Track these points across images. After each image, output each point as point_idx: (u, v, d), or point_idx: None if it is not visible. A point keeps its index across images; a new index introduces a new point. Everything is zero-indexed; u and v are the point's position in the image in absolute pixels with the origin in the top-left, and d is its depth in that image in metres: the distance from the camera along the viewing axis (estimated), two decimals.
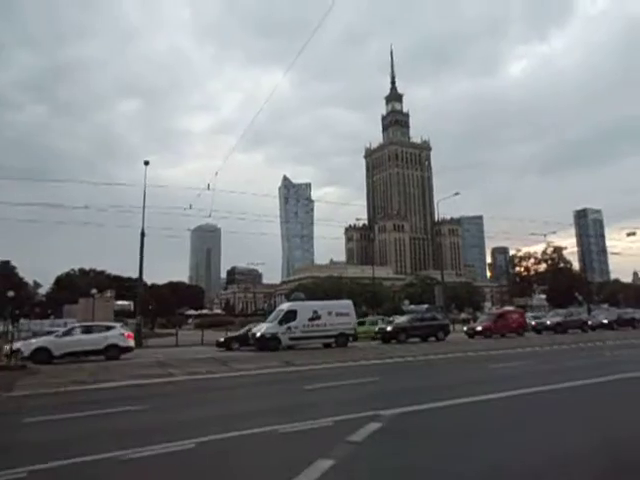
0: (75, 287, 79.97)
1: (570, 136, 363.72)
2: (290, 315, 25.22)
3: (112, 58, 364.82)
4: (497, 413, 8.37)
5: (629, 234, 53.28)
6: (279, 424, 7.05)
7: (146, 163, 32.61)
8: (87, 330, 20.87)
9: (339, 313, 26.38)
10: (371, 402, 9.73)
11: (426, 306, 62.91)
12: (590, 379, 11.25)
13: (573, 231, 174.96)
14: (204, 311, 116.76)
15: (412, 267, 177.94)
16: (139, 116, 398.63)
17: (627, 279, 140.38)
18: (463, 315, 73.46)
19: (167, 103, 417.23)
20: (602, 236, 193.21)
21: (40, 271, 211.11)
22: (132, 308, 54.09)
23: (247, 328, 28.53)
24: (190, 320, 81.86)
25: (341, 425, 7.05)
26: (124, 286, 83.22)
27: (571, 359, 17.47)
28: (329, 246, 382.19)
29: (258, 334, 24.57)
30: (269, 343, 24.07)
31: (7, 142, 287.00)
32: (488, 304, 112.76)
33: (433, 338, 29.13)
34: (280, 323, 24.84)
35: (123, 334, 21.10)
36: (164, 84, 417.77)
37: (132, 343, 21.51)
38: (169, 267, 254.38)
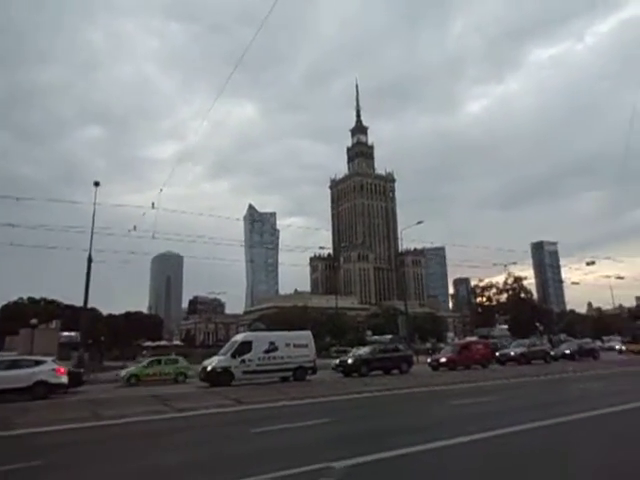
0: (23, 317, 74.87)
1: (526, 172, 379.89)
2: (245, 347, 23.49)
3: (75, 84, 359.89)
4: (462, 466, 7.20)
5: (589, 263, 54.46)
6: None
7: (96, 184, 30.80)
8: (12, 365, 18.46)
9: (298, 344, 24.86)
10: (324, 450, 8.42)
11: (390, 337, 62.00)
12: (562, 417, 10.30)
13: (531, 262, 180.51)
14: (162, 342, 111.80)
15: (376, 297, 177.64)
16: (103, 143, 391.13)
17: (581, 309, 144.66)
18: (429, 345, 72.87)
19: (132, 130, 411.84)
20: (558, 267, 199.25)
21: None
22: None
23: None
24: (145, 352, 77.67)
25: None
26: (76, 316, 78.63)
27: (539, 393, 16.64)
28: (294, 276, 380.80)
29: (209, 368, 22.67)
30: (220, 378, 22.20)
31: None
32: (451, 334, 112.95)
33: (396, 370, 27.96)
34: (233, 356, 23.05)
35: (54, 369, 18.81)
36: (130, 111, 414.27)
37: (65, 380, 19.21)
38: (129, 296, 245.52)
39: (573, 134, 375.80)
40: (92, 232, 29.87)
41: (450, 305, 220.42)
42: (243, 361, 23.01)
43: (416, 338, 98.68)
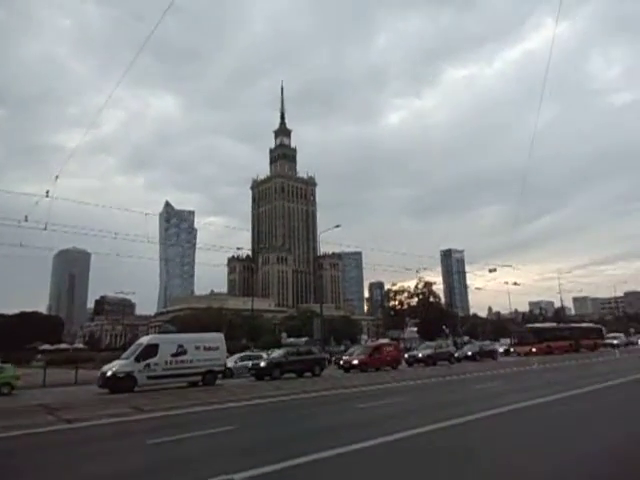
0: None
1: (438, 183, 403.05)
2: (150, 350, 22.06)
3: None
4: (368, 471, 7.08)
5: (491, 270, 58.35)
6: None
7: None
8: None
9: (208, 347, 23.86)
10: (224, 460, 7.95)
11: (305, 339, 62.19)
12: (459, 418, 10.65)
13: (440, 269, 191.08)
14: (62, 345, 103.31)
15: (294, 300, 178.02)
16: (2, 126, 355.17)
17: (483, 313, 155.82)
18: (342, 347, 74.08)
19: (37, 114, 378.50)
20: (464, 272, 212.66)
21: None
22: None
23: None
24: (39, 356, 71.20)
25: None
26: None
27: (442, 394, 17.28)
28: (211, 277, 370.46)
29: (108, 373, 21.00)
30: (121, 384, 20.64)
31: None
32: (365, 337, 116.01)
33: (310, 373, 27.87)
34: (137, 359, 21.56)
35: None
36: (34, 94, 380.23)
37: None
38: (28, 296, 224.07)
39: (480, 150, 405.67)
40: None
41: (365, 308, 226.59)
42: (148, 365, 21.60)
43: (331, 340, 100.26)
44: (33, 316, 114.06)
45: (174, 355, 22.50)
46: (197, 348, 23.38)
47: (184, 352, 22.83)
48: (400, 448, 8.25)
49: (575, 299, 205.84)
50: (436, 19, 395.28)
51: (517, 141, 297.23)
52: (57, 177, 25.38)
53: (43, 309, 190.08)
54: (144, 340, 23.72)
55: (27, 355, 72.08)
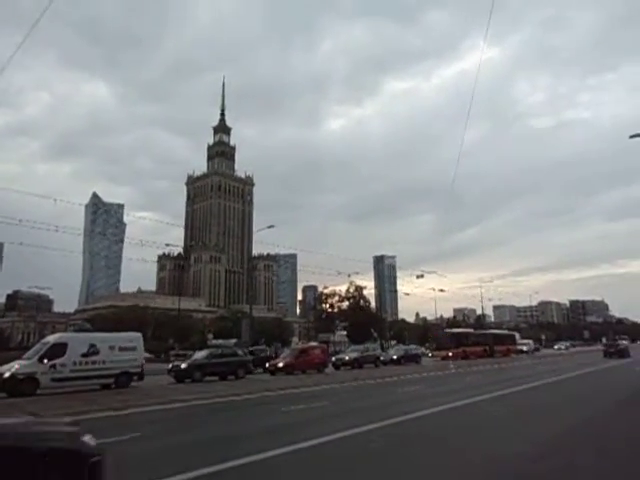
0: None
1: (375, 190, 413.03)
2: (57, 349, 20.24)
3: None
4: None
5: (418, 276, 60.47)
6: None
7: None
8: None
9: (124, 347, 22.33)
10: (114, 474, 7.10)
11: (235, 341, 60.83)
12: (377, 422, 10.49)
13: (372, 274, 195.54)
14: None
15: (226, 300, 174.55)
16: None
17: (410, 319, 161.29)
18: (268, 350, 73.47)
19: None
20: (394, 278, 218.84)
21: None
22: None
23: None
24: None
25: None
26: None
27: (363, 398, 17.21)
28: (140, 275, 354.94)
29: (6, 375, 18.99)
30: (21, 387, 18.74)
31: None
32: (296, 339, 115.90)
33: (233, 376, 26.98)
34: (41, 360, 19.72)
35: None
36: None
37: None
38: None
39: (415, 161, 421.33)
40: None
41: (298, 311, 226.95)
42: (53, 366, 19.80)
43: (262, 342, 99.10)
44: None
45: (84, 355, 20.80)
46: (111, 348, 21.81)
47: (96, 352, 21.19)
48: (319, 454, 7.87)
49: (495, 307, 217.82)
50: (380, 31, 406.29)
51: (449, 154, 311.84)
52: None
53: None
54: (51, 339, 21.77)
55: None
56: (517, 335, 71.19)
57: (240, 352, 29.98)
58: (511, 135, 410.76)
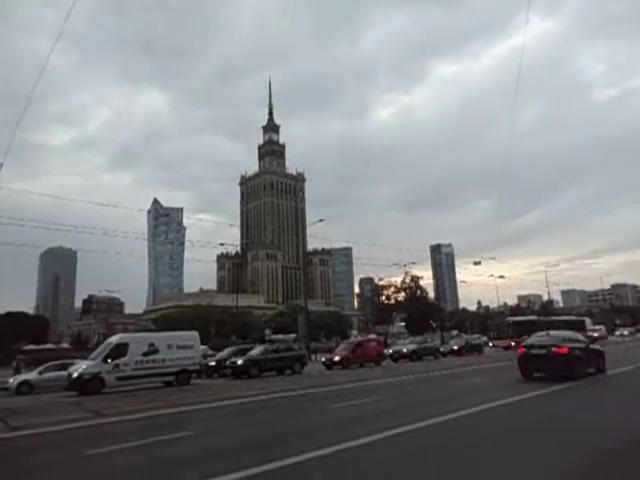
0: None
1: (427, 178, 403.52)
2: (119, 350, 21.16)
3: None
4: None
5: (476, 263, 58.35)
6: None
7: None
8: None
9: (182, 346, 22.98)
10: (169, 472, 7.13)
11: (294, 335, 61.47)
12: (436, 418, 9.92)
13: (430, 264, 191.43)
14: (47, 345, 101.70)
15: (284, 296, 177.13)
16: None
17: (472, 307, 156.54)
18: (334, 343, 73.63)
19: (16, 111, 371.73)
20: (453, 267, 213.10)
21: None
22: None
23: None
24: (19, 356, 69.72)
25: None
26: None
27: (423, 391, 16.62)
28: (201, 274, 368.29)
29: (74, 375, 20.06)
30: (89, 386, 19.73)
31: None
32: (355, 332, 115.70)
33: (290, 371, 27.12)
34: (105, 360, 20.66)
35: None
36: (13, 89, 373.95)
37: None
38: (16, 296, 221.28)
39: (468, 145, 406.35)
40: None
41: (356, 304, 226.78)
42: (117, 366, 20.70)
43: (322, 336, 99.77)
44: (18, 316, 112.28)
45: (145, 354, 21.61)
46: (170, 347, 22.51)
47: (156, 351, 21.95)
48: (362, 457, 7.49)
49: (563, 292, 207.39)
50: (423, 16, 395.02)
51: (504, 136, 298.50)
52: (1, 164, 24.22)
53: (31, 309, 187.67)
54: (113, 339, 22.78)
55: (9, 356, 70.67)
56: (588, 320, 66.73)
57: (296, 347, 30.08)
58: (572, 110, 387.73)
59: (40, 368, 25.87)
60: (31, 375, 25.20)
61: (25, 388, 23.42)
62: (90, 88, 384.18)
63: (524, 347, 17.17)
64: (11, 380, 25.00)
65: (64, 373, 22.67)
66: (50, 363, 26.30)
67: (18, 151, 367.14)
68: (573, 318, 67.71)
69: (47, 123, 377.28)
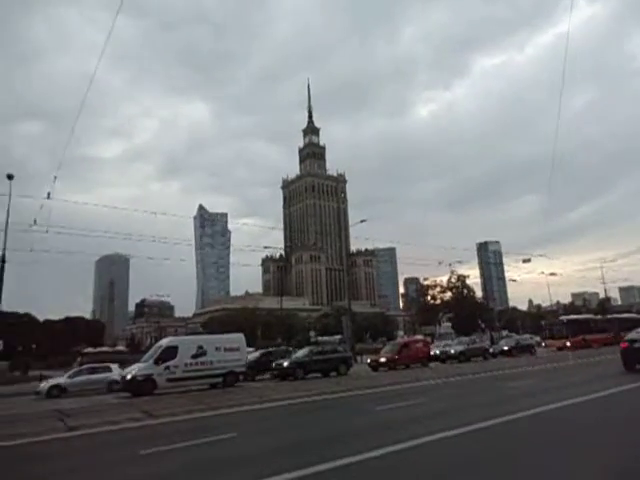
0: None
1: (471, 174, 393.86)
2: (169, 352, 21.84)
3: (13, 77, 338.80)
4: None
5: (525, 260, 56.29)
6: None
7: (9, 177, 28.23)
8: None
9: (228, 348, 23.45)
10: (216, 475, 7.25)
11: (339, 337, 61.39)
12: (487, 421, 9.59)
13: (476, 262, 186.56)
14: (104, 348, 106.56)
15: (328, 298, 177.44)
16: (43, 139, 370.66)
17: (523, 306, 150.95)
18: (381, 345, 72.97)
19: (75, 127, 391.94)
20: (501, 264, 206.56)
21: None
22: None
23: None
24: (79, 359, 73.36)
25: None
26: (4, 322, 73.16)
27: (469, 394, 16.13)
28: (246, 278, 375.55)
29: (128, 377, 20.87)
30: (142, 387, 20.47)
31: None
32: (401, 333, 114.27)
33: (335, 372, 27.06)
34: (156, 362, 21.36)
35: None
36: (72, 107, 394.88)
37: None
38: (73, 301, 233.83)
39: (513, 139, 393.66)
40: (6, 229, 27.30)
41: (401, 304, 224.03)
42: (167, 368, 21.37)
43: (367, 338, 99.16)
44: (76, 321, 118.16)
45: (194, 357, 22.21)
46: (217, 349, 23.02)
47: (204, 353, 22.51)
48: (408, 461, 7.34)
49: (621, 289, 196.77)
50: (462, 9, 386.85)
51: (548, 129, 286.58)
52: (55, 177, 25.56)
53: (88, 313, 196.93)
54: (163, 342, 23.55)
55: (70, 358, 74.52)
56: None
57: (341, 348, 30.01)
58: (625, 95, 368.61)
59: (70, 372, 26.84)
60: (62, 379, 25.83)
61: (56, 391, 24.05)
62: (138, 101, 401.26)
63: (626, 341, 18.76)
64: (42, 384, 25.39)
65: (93, 377, 24.91)
66: (80, 367, 27.50)
67: (76, 165, 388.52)
68: (632, 316, 63.92)
69: (100, 137, 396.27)
